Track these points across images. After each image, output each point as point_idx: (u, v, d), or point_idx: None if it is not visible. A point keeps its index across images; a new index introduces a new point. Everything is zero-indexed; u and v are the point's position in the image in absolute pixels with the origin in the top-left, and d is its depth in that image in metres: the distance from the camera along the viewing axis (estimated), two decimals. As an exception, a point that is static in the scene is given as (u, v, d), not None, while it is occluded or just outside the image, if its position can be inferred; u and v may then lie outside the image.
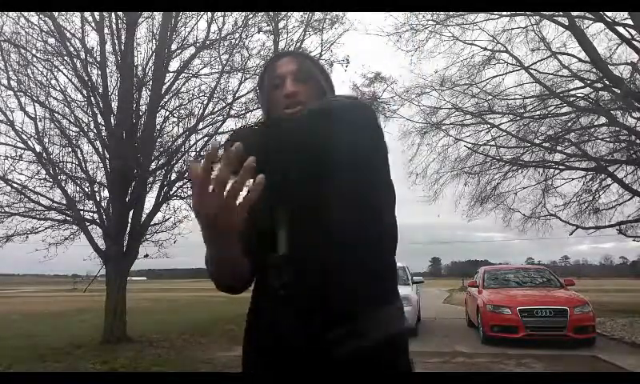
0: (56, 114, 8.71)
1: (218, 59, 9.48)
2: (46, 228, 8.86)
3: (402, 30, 12.97)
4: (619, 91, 11.18)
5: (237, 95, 9.56)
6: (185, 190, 9.43)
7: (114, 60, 8.83)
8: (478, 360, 7.09)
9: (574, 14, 11.18)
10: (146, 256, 9.47)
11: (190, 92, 9.56)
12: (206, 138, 9.54)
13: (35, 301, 25.57)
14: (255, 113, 9.38)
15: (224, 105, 9.58)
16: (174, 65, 9.42)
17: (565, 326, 7.96)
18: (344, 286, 0.96)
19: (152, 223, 9.35)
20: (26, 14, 8.42)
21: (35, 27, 8.58)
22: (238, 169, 0.77)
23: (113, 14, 8.67)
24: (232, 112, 9.61)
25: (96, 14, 8.72)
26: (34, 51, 8.63)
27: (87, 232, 8.60)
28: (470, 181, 14.68)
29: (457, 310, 15.67)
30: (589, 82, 12.58)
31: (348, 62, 11.26)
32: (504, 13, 11.93)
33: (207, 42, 9.32)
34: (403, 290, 8.96)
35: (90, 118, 8.77)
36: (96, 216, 8.80)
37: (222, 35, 9.38)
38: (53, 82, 8.78)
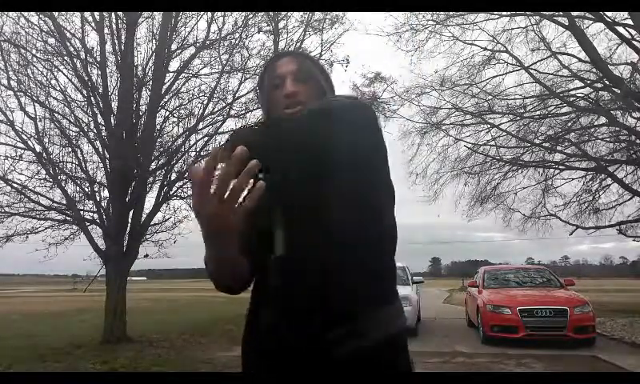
0: (56, 114, 8.71)
1: (218, 59, 9.49)
2: (46, 228, 8.87)
3: (402, 30, 12.99)
4: (619, 91, 11.19)
5: (237, 95, 9.57)
6: (185, 189, 9.42)
7: (114, 60, 8.84)
8: (478, 360, 7.09)
9: (574, 13, 11.18)
10: (146, 256, 9.47)
11: (190, 92, 9.57)
12: (206, 138, 9.55)
13: (35, 301, 25.57)
14: (255, 113, 9.38)
15: (224, 105, 9.58)
16: (174, 65, 9.44)
17: (565, 326, 7.97)
18: (344, 286, 0.96)
19: (152, 223, 9.35)
20: (26, 14, 8.42)
21: (35, 27, 8.59)
22: (240, 170, 0.78)
23: (113, 13, 8.67)
24: (232, 112, 9.62)
25: (96, 14, 8.72)
26: (33, 51, 8.63)
27: (87, 232, 8.60)
28: (469, 181, 14.70)
29: (457, 309, 15.67)
30: (589, 81, 12.58)
31: (348, 62, 11.26)
32: (504, 13, 11.94)
33: (207, 42, 9.32)
34: (403, 290, 8.97)
35: (90, 118, 8.77)
36: (96, 216, 8.80)
37: (222, 35, 9.38)
38: (53, 82, 8.80)
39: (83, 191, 8.87)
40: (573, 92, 12.96)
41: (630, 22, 11.13)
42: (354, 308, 0.96)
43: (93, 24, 8.84)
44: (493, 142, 13.93)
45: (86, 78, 8.51)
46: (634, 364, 6.51)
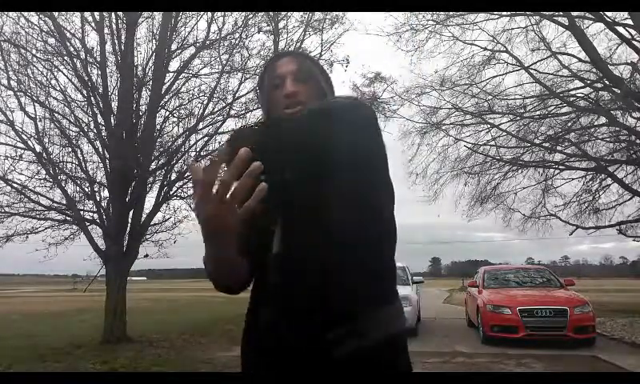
0: (56, 114, 8.72)
1: (218, 59, 9.49)
2: (46, 228, 8.88)
3: (402, 30, 12.99)
4: (619, 91, 11.19)
5: (237, 95, 9.58)
6: (185, 189, 9.43)
7: (114, 60, 8.84)
8: (478, 360, 7.09)
9: (574, 13, 11.18)
10: (146, 256, 9.48)
11: (190, 92, 9.58)
12: (206, 138, 9.56)
13: (35, 301, 25.57)
14: (255, 113, 9.39)
15: (224, 105, 9.58)
16: (174, 65, 9.44)
17: (565, 326, 7.97)
18: (344, 285, 0.95)
19: (152, 223, 9.36)
20: (26, 14, 8.42)
21: (35, 27, 8.60)
22: (242, 172, 0.78)
23: (113, 13, 8.68)
24: (232, 112, 9.63)
25: (96, 13, 8.72)
26: (33, 51, 8.64)
27: (87, 232, 8.61)
28: (469, 181, 14.70)
29: (457, 309, 15.67)
30: (589, 81, 12.58)
31: (348, 62, 11.27)
32: (504, 13, 11.94)
33: (207, 42, 9.32)
34: (403, 290, 8.97)
35: (90, 118, 8.77)
36: (96, 216, 8.81)
37: (222, 35, 9.39)
38: (53, 82, 8.81)
39: (83, 191, 8.87)
40: (573, 92, 12.97)
41: (630, 21, 11.13)
42: (354, 308, 0.96)
43: (93, 24, 8.85)
44: (493, 142, 13.94)
45: (86, 78, 8.51)
46: (634, 364, 6.51)
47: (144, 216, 9.09)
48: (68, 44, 8.51)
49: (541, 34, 12.51)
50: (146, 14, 9.03)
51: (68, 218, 8.80)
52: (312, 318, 0.95)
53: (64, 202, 8.66)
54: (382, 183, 1.07)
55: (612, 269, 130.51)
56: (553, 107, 13.22)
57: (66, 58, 8.53)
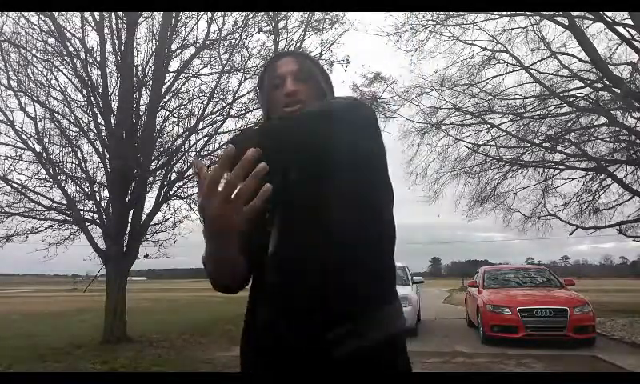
0: (56, 114, 8.71)
1: (218, 59, 9.49)
2: (46, 228, 8.87)
3: (402, 30, 13.00)
4: (619, 91, 11.19)
5: (237, 95, 9.57)
6: (185, 189, 9.44)
7: (114, 60, 8.84)
8: (478, 360, 7.09)
9: (574, 13, 11.18)
10: (146, 256, 9.47)
11: (190, 92, 9.57)
12: (206, 138, 9.56)
13: (35, 301, 25.58)
14: (255, 113, 9.39)
15: (224, 105, 9.58)
16: (174, 65, 9.44)
17: (565, 326, 7.97)
18: (344, 285, 0.96)
19: (152, 223, 9.35)
20: (26, 14, 8.42)
21: (35, 27, 8.59)
22: (248, 172, 0.79)
23: (113, 13, 8.67)
24: (232, 112, 9.62)
25: (96, 13, 8.72)
26: (33, 51, 8.63)
27: (87, 232, 8.61)
28: (469, 181, 14.70)
29: (457, 309, 15.67)
30: (589, 81, 12.58)
31: (348, 62, 11.27)
32: (504, 13, 11.94)
33: (207, 42, 9.32)
34: (403, 290, 8.97)
35: (90, 118, 8.77)
36: (96, 216, 8.80)
37: (222, 35, 9.38)
38: (53, 82, 8.80)
39: (83, 191, 8.87)
40: (573, 92, 12.97)
41: (630, 22, 11.13)
42: (353, 308, 0.96)
43: (93, 24, 8.85)
44: (493, 142, 13.94)
45: (86, 78, 8.51)
46: (634, 364, 6.51)
47: (144, 216, 9.09)
48: (68, 44, 8.51)
49: (541, 34, 12.53)
50: (146, 14, 9.03)
51: (68, 218, 8.80)
52: (312, 318, 0.95)
53: (64, 202, 8.66)
54: (382, 183, 1.07)
55: (612, 269, 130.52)
56: (553, 107, 13.23)
57: (65, 57, 8.53)
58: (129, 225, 8.82)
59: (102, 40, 8.75)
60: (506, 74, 13.38)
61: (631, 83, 11.43)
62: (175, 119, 9.44)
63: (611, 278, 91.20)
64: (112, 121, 8.66)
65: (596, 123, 13.01)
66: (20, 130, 8.51)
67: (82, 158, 8.80)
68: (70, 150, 8.75)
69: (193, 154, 9.26)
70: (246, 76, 9.64)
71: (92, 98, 8.59)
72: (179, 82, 9.40)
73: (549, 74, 13.06)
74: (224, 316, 12.58)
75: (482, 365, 6.73)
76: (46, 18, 8.46)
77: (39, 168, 8.57)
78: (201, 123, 9.34)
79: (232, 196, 0.80)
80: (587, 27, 11.85)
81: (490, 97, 13.39)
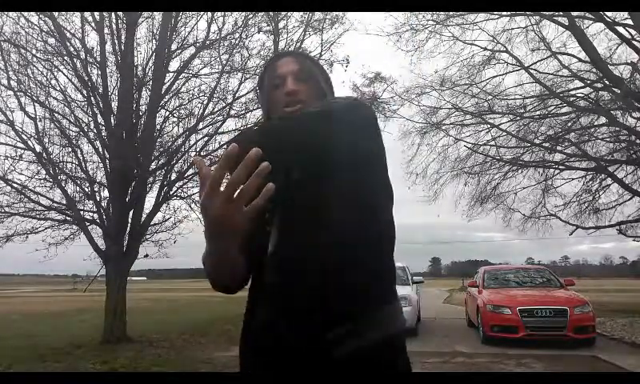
0: (56, 114, 8.72)
1: (218, 59, 9.49)
2: (46, 228, 8.88)
3: (402, 30, 13.00)
4: (619, 91, 11.19)
5: (237, 95, 9.58)
6: (185, 189, 9.44)
7: (114, 60, 8.84)
8: (478, 360, 7.09)
9: (574, 13, 11.18)
10: (146, 256, 9.47)
11: (190, 92, 9.57)
12: (206, 138, 9.56)
13: (35, 301, 25.58)
14: (255, 113, 9.39)
15: (224, 105, 9.58)
16: (174, 65, 9.44)
17: (565, 326, 7.97)
18: (344, 285, 0.96)
19: (152, 223, 9.36)
20: (26, 13, 8.42)
21: (35, 27, 8.60)
22: (251, 172, 0.79)
23: (113, 13, 8.68)
24: (232, 112, 9.63)
25: (96, 13, 8.72)
26: (33, 51, 8.64)
27: (87, 232, 8.61)
28: (469, 181, 14.70)
29: (457, 309, 15.67)
30: (589, 81, 12.58)
31: (348, 62, 11.26)
32: (504, 13, 11.94)
33: (207, 42, 9.32)
34: (403, 290, 8.97)
35: (90, 118, 8.77)
36: (96, 216, 8.81)
37: (222, 35, 9.39)
38: (53, 82, 8.81)
39: (83, 191, 8.87)
40: (573, 92, 12.97)
41: (630, 21, 11.13)
42: (353, 308, 0.96)
43: (93, 24, 8.85)
44: (493, 142, 13.94)
45: (86, 78, 8.51)
46: (634, 364, 6.51)
47: (144, 216, 9.09)
48: (68, 44, 8.52)
49: (541, 34, 12.53)
50: (146, 14, 9.03)
51: (68, 218, 8.80)
52: (312, 318, 0.95)
53: (64, 202, 8.66)
54: (382, 183, 1.07)
55: (612, 269, 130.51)
56: (553, 107, 13.22)
57: (65, 57, 8.54)
58: (129, 225, 8.82)
59: (102, 40, 8.75)
60: (506, 74, 13.40)
61: (631, 83, 11.43)
62: (175, 119, 9.46)
63: (611, 277, 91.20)
64: (112, 121, 8.66)
65: (596, 123, 13.01)
66: (20, 130, 8.53)
67: (82, 157, 8.81)
68: (70, 150, 8.76)
69: (193, 153, 9.26)
70: (246, 76, 9.65)
71: (92, 97, 8.59)
72: (179, 82, 9.42)
73: (549, 74, 13.07)
74: (224, 316, 12.58)
75: (482, 365, 6.73)
76: (46, 18, 8.47)
77: (39, 168, 8.58)
78: (201, 123, 9.35)
79: (234, 195, 0.80)
80: (587, 27, 11.86)
81: (489, 97, 13.40)
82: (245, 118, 9.59)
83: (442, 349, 8.13)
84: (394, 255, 1.08)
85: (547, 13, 11.51)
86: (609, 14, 11.17)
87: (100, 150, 8.82)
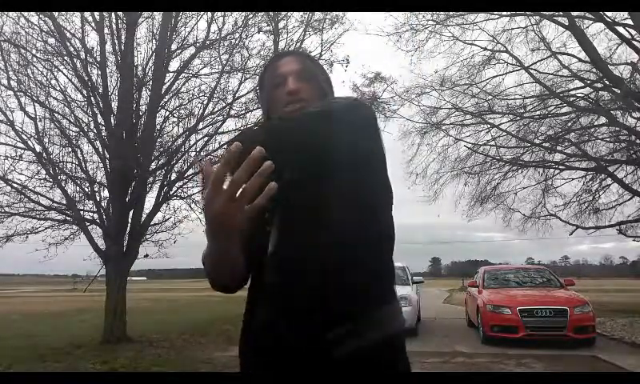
0: (56, 114, 8.72)
1: (218, 59, 9.49)
2: (46, 228, 8.88)
3: (402, 30, 13.00)
4: (619, 91, 11.19)
5: (237, 95, 9.58)
6: (185, 189, 9.44)
7: (114, 60, 8.84)
8: (478, 360, 7.09)
9: (574, 13, 11.18)
10: (146, 256, 9.47)
11: (190, 92, 9.57)
12: (206, 138, 9.56)
13: (35, 301, 25.58)
14: (255, 113, 9.39)
15: (224, 105, 9.58)
16: (174, 65, 9.44)
17: (565, 326, 7.97)
18: (344, 286, 0.96)
19: (152, 223, 9.36)
20: (26, 14, 8.42)
21: (35, 27, 8.60)
22: (254, 171, 0.79)
23: (113, 13, 8.68)
24: (232, 112, 9.63)
25: (96, 13, 8.72)
26: (33, 51, 8.64)
27: (87, 232, 8.61)
28: (469, 181, 14.71)
29: (457, 309, 15.67)
30: (589, 81, 12.58)
31: (348, 62, 11.26)
32: (504, 13, 11.94)
33: (207, 42, 9.32)
34: (403, 290, 8.97)
35: (90, 118, 8.77)
36: (96, 216, 8.81)
37: (222, 35, 9.39)
38: (53, 82, 8.81)
39: (83, 191, 8.87)
40: (573, 92, 12.97)
41: (630, 21, 11.13)
42: (353, 308, 0.96)
43: (93, 24, 8.85)
44: (493, 142, 13.95)
45: (86, 78, 8.51)
46: (634, 364, 6.51)
47: (144, 216, 9.09)
48: (68, 44, 8.51)
49: (541, 34, 12.53)
50: (146, 14, 9.03)
51: (68, 218, 8.80)
52: (312, 318, 0.95)
53: (64, 202, 8.66)
54: (382, 183, 1.07)
55: (612, 269, 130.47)
56: (553, 107, 13.23)
57: (65, 57, 8.53)
58: (129, 225, 8.82)
59: (102, 40, 8.75)
60: (506, 74, 13.40)
61: (631, 83, 11.43)
62: (175, 119, 9.46)
63: (611, 277, 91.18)
64: (112, 121, 8.66)
65: (596, 123, 13.02)
66: (20, 130, 8.53)
67: (82, 157, 8.81)
68: (70, 150, 8.76)
69: (193, 153, 9.27)
70: (246, 76, 9.65)
71: (92, 97, 8.59)
72: (179, 82, 9.42)
73: (549, 74, 13.08)
74: (224, 316, 12.58)
75: (482, 365, 6.73)
76: (46, 18, 8.46)
77: (39, 168, 8.58)
78: (201, 123, 9.35)
79: (237, 194, 0.80)
80: (587, 27, 11.86)
81: (490, 97, 13.40)
82: (245, 118, 9.60)
83: (441, 349, 8.13)
84: (393, 255, 1.08)
85: (547, 13, 11.51)
86: (609, 13, 11.19)
87: (100, 149, 8.82)
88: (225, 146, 8.31)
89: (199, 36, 9.51)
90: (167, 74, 9.20)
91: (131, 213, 8.86)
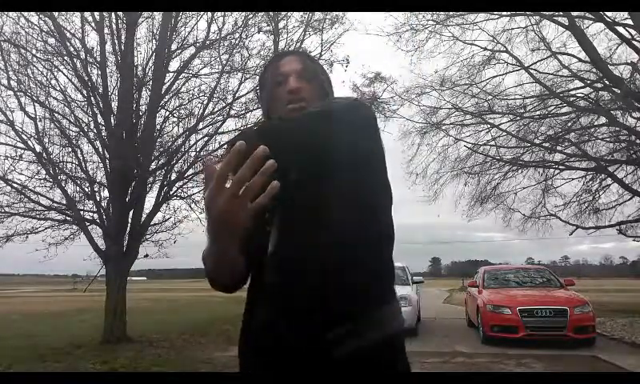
0: (56, 114, 8.72)
1: (218, 59, 9.50)
2: (46, 228, 8.88)
3: (402, 30, 13.01)
4: (619, 91, 11.19)
5: (237, 95, 9.58)
6: (185, 189, 9.44)
7: (114, 60, 8.84)
8: (478, 360, 7.09)
9: (574, 13, 11.18)
10: (146, 256, 9.48)
11: (190, 92, 9.58)
12: (206, 138, 9.56)
13: (35, 301, 25.57)
14: (255, 113, 9.39)
15: (224, 105, 9.58)
16: (174, 65, 9.45)
17: (565, 326, 7.97)
18: (344, 285, 0.96)
19: (152, 223, 9.36)
20: (26, 14, 8.42)
21: (35, 27, 8.60)
22: (257, 169, 0.79)
23: (113, 13, 8.68)
24: (232, 112, 9.63)
25: (96, 13, 8.73)
26: (33, 51, 8.64)
27: (87, 232, 8.61)
28: (469, 181, 14.71)
29: (457, 309, 15.67)
30: (589, 81, 12.59)
31: (348, 62, 11.27)
32: (504, 13, 11.94)
33: (207, 42, 9.33)
34: (403, 290, 8.97)
35: (90, 118, 8.78)
36: (96, 216, 8.81)
37: (222, 35, 9.39)
38: (53, 82, 8.81)
39: (83, 191, 8.87)
40: (573, 92, 12.98)
41: (630, 21, 11.13)
42: (353, 308, 0.96)
43: (93, 24, 8.85)
44: (493, 142, 13.95)
45: (86, 78, 8.51)
46: (634, 364, 6.51)
47: (144, 216, 9.09)
48: (68, 44, 8.52)
49: (541, 34, 12.54)
50: (146, 14, 9.03)
51: (68, 218, 8.80)
52: (312, 318, 0.95)
53: (64, 202, 8.66)
54: (382, 183, 1.08)
55: (612, 269, 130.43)
56: (553, 107, 13.23)
57: (65, 57, 8.54)
58: (129, 225, 8.82)
59: (102, 40, 8.76)
60: (506, 74, 13.40)
61: (631, 83, 11.43)
62: (175, 119, 9.46)
63: (611, 277, 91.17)
64: (112, 121, 8.66)
65: (596, 123, 13.02)
66: (20, 130, 8.53)
67: (82, 157, 8.82)
68: (70, 150, 8.77)
69: (193, 153, 9.27)
70: (246, 76, 9.66)
71: (92, 97, 8.60)
72: (179, 82, 9.42)
73: (549, 73, 13.08)
74: (224, 316, 12.58)
75: (482, 365, 6.73)
76: (46, 18, 8.47)
77: (39, 168, 8.58)
78: (201, 123, 9.35)
79: (240, 192, 0.80)
80: (587, 27, 11.87)
81: (490, 97, 13.40)
82: (245, 118, 9.60)
83: (442, 349, 8.13)
84: (393, 255, 1.08)
85: (547, 13, 11.51)
86: (609, 13, 11.19)
87: (100, 149, 8.82)
88: (225, 146, 8.31)
89: (199, 36, 9.53)
90: (167, 74, 9.21)
91: (131, 213, 8.86)
